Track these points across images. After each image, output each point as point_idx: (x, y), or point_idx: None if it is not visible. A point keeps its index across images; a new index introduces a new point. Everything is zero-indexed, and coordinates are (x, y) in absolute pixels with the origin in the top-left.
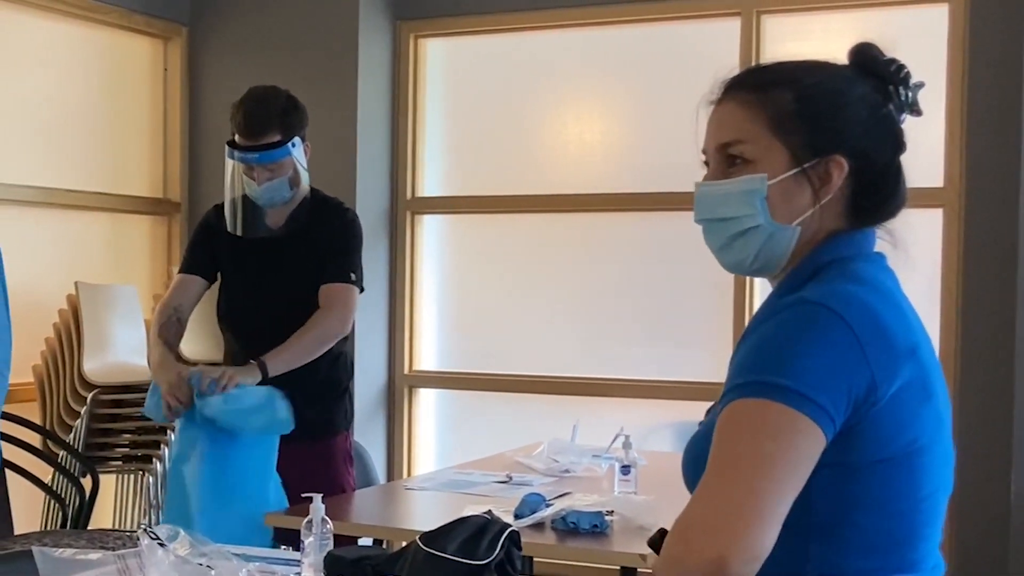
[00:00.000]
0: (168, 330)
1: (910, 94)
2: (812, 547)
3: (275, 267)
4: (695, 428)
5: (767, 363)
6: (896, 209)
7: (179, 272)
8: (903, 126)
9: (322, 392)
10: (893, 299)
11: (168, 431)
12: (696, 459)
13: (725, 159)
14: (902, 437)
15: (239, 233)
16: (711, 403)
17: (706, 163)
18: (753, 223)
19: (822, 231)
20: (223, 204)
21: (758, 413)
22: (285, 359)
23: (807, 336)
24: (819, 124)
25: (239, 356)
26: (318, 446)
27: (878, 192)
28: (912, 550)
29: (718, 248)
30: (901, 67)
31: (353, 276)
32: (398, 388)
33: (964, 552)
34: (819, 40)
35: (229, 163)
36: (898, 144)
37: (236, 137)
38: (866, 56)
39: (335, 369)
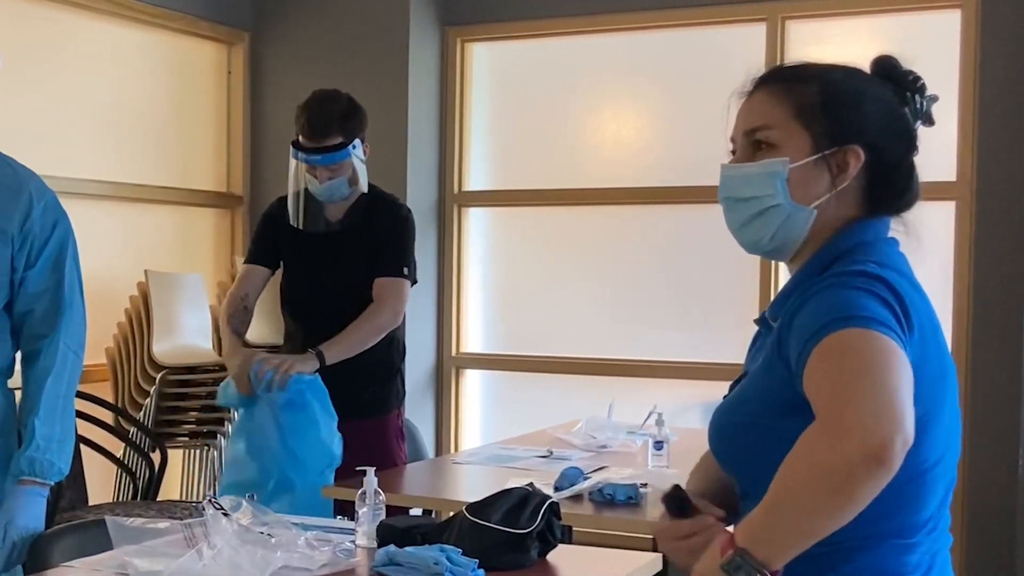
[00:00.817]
0: (236, 319)
1: (925, 103)
2: None
3: (333, 259)
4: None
5: (841, 306)
6: (909, 203)
7: (245, 263)
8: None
9: (376, 373)
10: (916, 284)
11: (231, 410)
12: (721, 427)
13: (751, 144)
14: (919, 401)
15: (300, 227)
16: (736, 379)
17: (733, 151)
18: (773, 202)
19: (837, 218)
20: (286, 197)
21: (854, 338)
22: (340, 350)
23: (862, 285)
24: (840, 116)
25: (298, 339)
26: (373, 423)
27: (891, 185)
28: (918, 513)
29: (738, 226)
30: (918, 78)
31: (406, 270)
32: (446, 369)
33: (974, 521)
34: (839, 44)
35: (293, 162)
36: (911, 144)
37: (300, 138)
38: (887, 65)
39: (388, 352)
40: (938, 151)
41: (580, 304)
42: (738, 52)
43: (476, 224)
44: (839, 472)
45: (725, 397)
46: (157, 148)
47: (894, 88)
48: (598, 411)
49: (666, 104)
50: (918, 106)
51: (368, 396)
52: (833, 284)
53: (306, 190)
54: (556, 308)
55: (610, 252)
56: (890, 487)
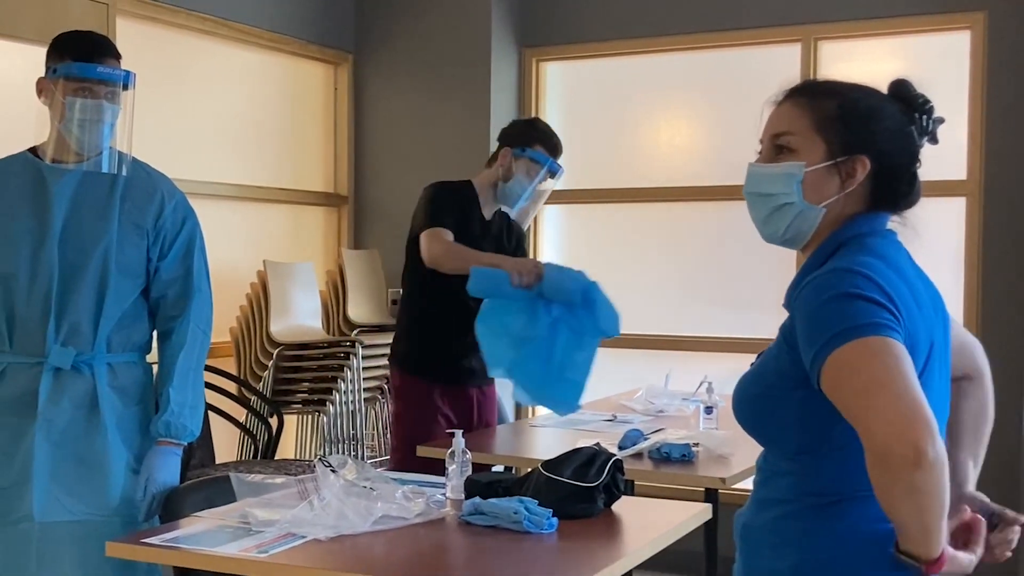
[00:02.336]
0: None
1: (931, 124)
2: (825, 465)
3: (488, 246)
4: None
5: (838, 316)
6: (909, 205)
7: (444, 228)
8: (923, 148)
9: None
10: (897, 267)
11: (339, 380)
12: (741, 396)
13: (775, 147)
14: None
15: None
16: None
17: (760, 152)
18: (788, 200)
19: (843, 215)
20: (471, 184)
21: (859, 351)
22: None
23: (842, 290)
24: (853, 129)
25: (456, 313)
26: (485, 390)
27: (893, 191)
28: None
29: (759, 219)
30: (927, 101)
31: None
32: None
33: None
34: (865, 61)
35: (527, 164)
36: (914, 157)
37: (541, 148)
38: (901, 87)
39: None
40: (950, 153)
41: (639, 287)
42: (776, 68)
43: (550, 219)
44: (901, 487)
45: (752, 364)
46: (274, 154)
47: (905, 108)
48: (656, 381)
49: (713, 114)
50: (925, 125)
51: (483, 367)
52: (817, 288)
53: (503, 191)
54: (618, 291)
55: (666, 242)
56: None
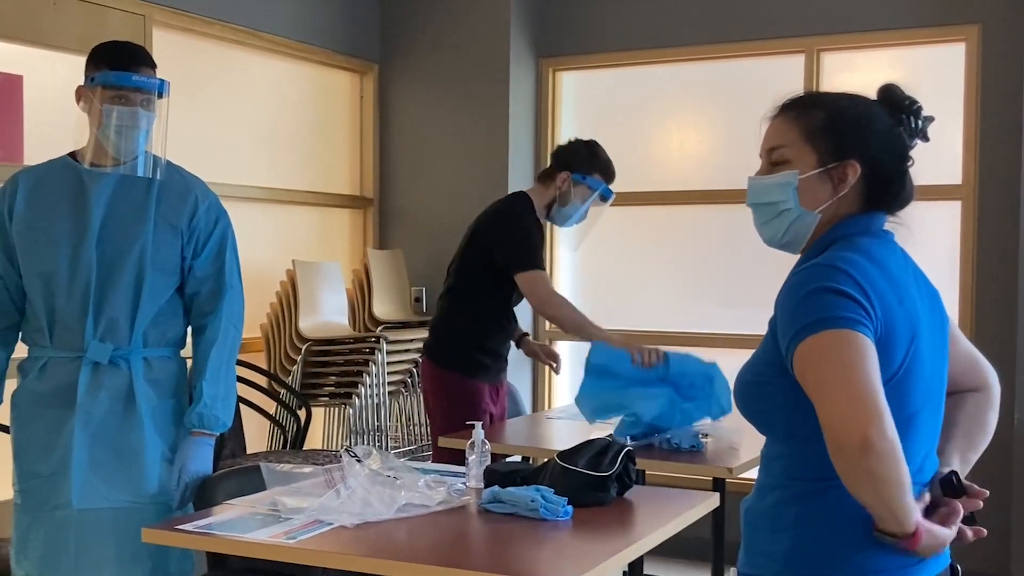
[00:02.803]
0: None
1: (920, 123)
2: (813, 449)
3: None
4: None
5: (810, 308)
6: (902, 204)
7: (540, 270)
8: (917, 148)
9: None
10: (882, 264)
11: (364, 374)
12: (739, 384)
13: (770, 160)
14: (890, 366)
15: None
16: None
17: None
18: (786, 207)
19: (837, 216)
20: (530, 201)
21: (826, 342)
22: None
23: (825, 281)
24: (840, 136)
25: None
26: (500, 388)
27: (885, 191)
28: (907, 453)
29: (760, 225)
30: (914, 102)
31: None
32: (541, 340)
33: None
34: (866, 71)
35: (581, 190)
36: (903, 157)
37: (600, 177)
38: (889, 92)
39: None
40: (947, 159)
41: (652, 286)
42: (781, 78)
43: (567, 235)
44: (856, 472)
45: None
46: (303, 159)
47: (893, 112)
48: None
49: (720, 122)
50: (913, 125)
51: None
52: (798, 280)
53: (558, 212)
54: (632, 289)
55: (676, 243)
56: None
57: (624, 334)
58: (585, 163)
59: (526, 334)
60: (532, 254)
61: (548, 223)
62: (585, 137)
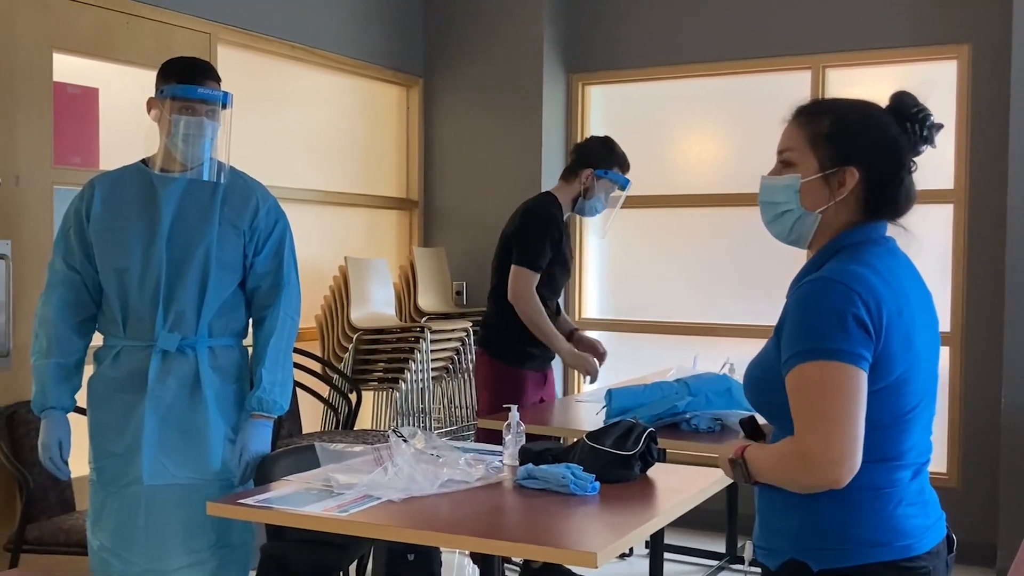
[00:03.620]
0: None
1: (925, 131)
2: None
3: (567, 245)
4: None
5: (806, 333)
6: (902, 210)
7: (531, 270)
8: (923, 155)
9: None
10: (887, 274)
11: (410, 360)
12: (748, 378)
13: (780, 162)
14: (892, 373)
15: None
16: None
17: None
18: (788, 208)
19: (840, 220)
20: (556, 201)
21: (825, 374)
22: None
23: (824, 304)
24: (841, 143)
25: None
26: (547, 373)
27: (884, 196)
28: (905, 443)
29: (767, 222)
30: (921, 111)
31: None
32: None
33: (966, 450)
34: (867, 86)
35: (604, 184)
36: (901, 164)
37: (618, 170)
38: (897, 100)
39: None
40: (940, 165)
41: (671, 281)
42: (789, 92)
43: (595, 222)
44: (807, 488)
45: (762, 350)
46: (354, 165)
47: (899, 119)
48: (685, 362)
49: (735, 131)
50: (920, 133)
51: (548, 355)
52: (809, 294)
53: (582, 205)
54: (653, 284)
55: (694, 241)
56: (882, 428)
57: (639, 324)
58: (605, 159)
59: (576, 329)
60: (532, 253)
61: (576, 217)
62: None
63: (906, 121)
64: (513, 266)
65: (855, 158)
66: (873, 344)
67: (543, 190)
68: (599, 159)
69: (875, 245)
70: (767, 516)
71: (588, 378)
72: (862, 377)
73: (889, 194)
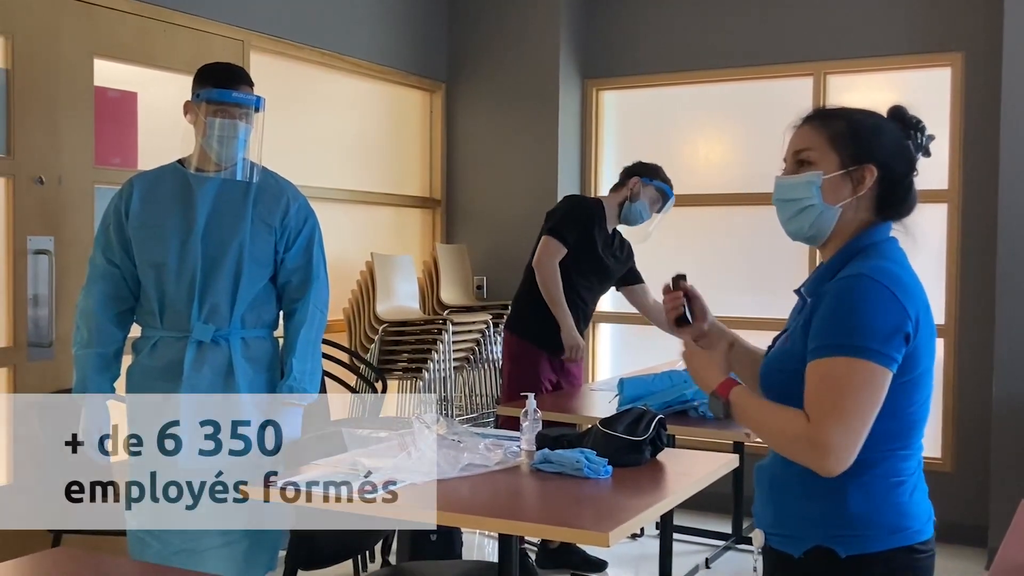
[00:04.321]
0: None
1: (924, 140)
2: None
3: (607, 255)
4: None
5: (843, 328)
6: (908, 210)
7: (557, 240)
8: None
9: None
10: (910, 270)
11: (433, 351)
12: (769, 371)
13: (796, 162)
14: (919, 365)
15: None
16: (780, 332)
17: (784, 166)
18: (810, 203)
19: (856, 218)
20: (599, 200)
21: (846, 367)
22: None
23: (867, 304)
24: (861, 143)
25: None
26: (580, 362)
27: (895, 195)
28: (910, 436)
29: (785, 220)
30: (920, 122)
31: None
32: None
33: (959, 437)
34: (866, 92)
35: (650, 191)
36: (911, 167)
37: (663, 182)
38: (899, 111)
39: None
40: (934, 166)
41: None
42: (793, 97)
43: (637, 229)
44: (796, 459)
45: (770, 346)
46: (380, 166)
47: (902, 127)
48: None
49: (741, 134)
50: (919, 141)
51: None
52: (849, 291)
53: (628, 209)
54: (663, 279)
55: (703, 238)
56: (903, 417)
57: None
58: (651, 171)
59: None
60: (560, 225)
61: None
62: (623, 147)
63: (909, 129)
64: (543, 236)
65: (874, 157)
66: (906, 346)
67: (559, 189)
68: (645, 170)
69: (892, 243)
70: (784, 502)
71: (569, 354)
72: (888, 378)
73: (901, 194)
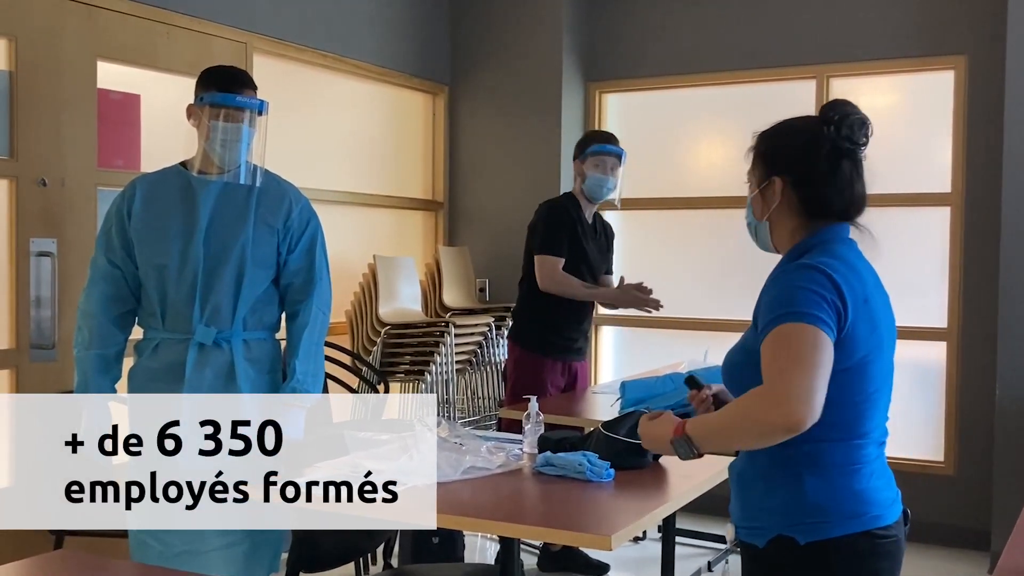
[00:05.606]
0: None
1: (845, 130)
2: None
3: (592, 248)
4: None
5: (790, 301)
6: (848, 208)
7: (556, 256)
8: (912, 161)
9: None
10: (853, 267)
11: (435, 354)
12: (726, 364)
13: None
14: (856, 353)
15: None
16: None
17: None
18: (749, 220)
19: (789, 226)
20: (571, 197)
21: (795, 331)
22: None
23: (807, 283)
24: (766, 158)
25: (573, 303)
26: (583, 363)
27: (814, 194)
28: (868, 423)
29: (751, 237)
30: (839, 114)
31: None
32: (596, 321)
33: (961, 440)
34: (870, 94)
35: (590, 161)
36: (815, 165)
37: (594, 143)
38: (822, 108)
39: None
40: (938, 170)
41: (685, 279)
42: (795, 100)
43: (611, 222)
44: (764, 430)
45: (740, 340)
46: (383, 168)
47: (825, 124)
48: (696, 356)
49: (744, 137)
50: (840, 133)
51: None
52: (785, 276)
53: (587, 191)
54: (666, 281)
55: (705, 241)
56: (848, 406)
57: (653, 319)
58: (580, 146)
59: (622, 279)
60: (548, 240)
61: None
62: (626, 149)
63: (823, 125)
64: (536, 256)
65: (776, 168)
66: (838, 321)
67: (561, 192)
68: (577, 150)
69: (840, 244)
70: (749, 496)
71: (652, 310)
72: (828, 341)
73: (819, 192)
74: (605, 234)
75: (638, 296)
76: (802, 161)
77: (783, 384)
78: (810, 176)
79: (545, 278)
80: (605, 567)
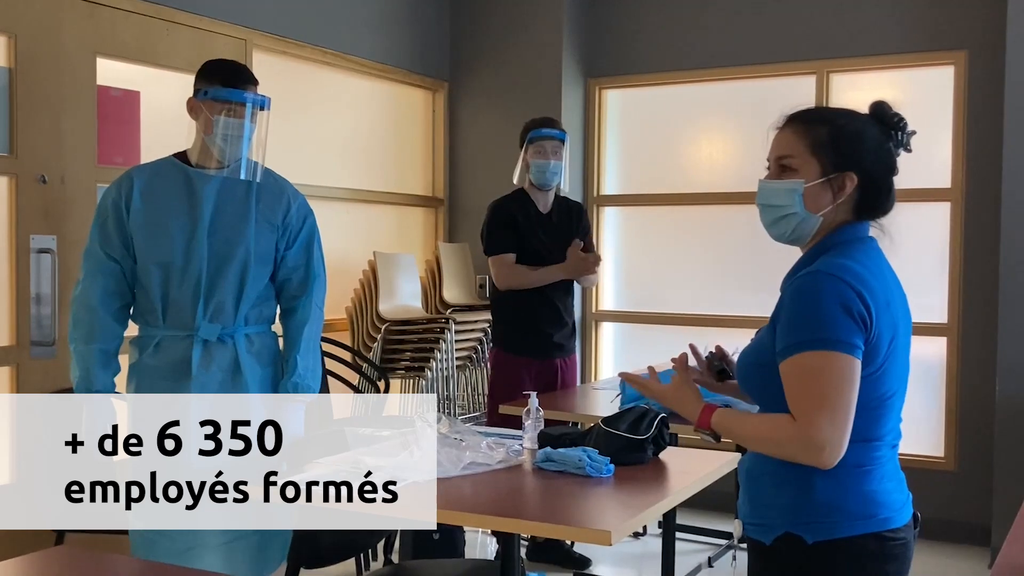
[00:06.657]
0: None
1: (905, 137)
2: None
3: (548, 238)
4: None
5: (810, 323)
6: (886, 211)
7: (506, 253)
8: (911, 156)
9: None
10: (874, 269)
11: (435, 350)
12: (743, 364)
13: (779, 167)
14: (876, 361)
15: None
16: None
17: (768, 168)
18: (792, 211)
19: (835, 221)
20: (523, 189)
21: (826, 363)
22: None
23: (826, 297)
24: (841, 150)
25: (535, 299)
26: (568, 360)
27: (876, 199)
28: (883, 426)
29: (768, 224)
30: (901, 119)
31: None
32: (588, 321)
33: (962, 436)
34: (869, 90)
35: (529, 151)
36: (891, 170)
37: (530, 132)
38: (879, 109)
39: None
40: (938, 165)
41: (684, 274)
42: (796, 95)
43: (610, 218)
44: (791, 459)
45: (752, 340)
46: (382, 164)
47: (882, 127)
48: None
49: (744, 133)
50: (900, 139)
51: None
52: (805, 288)
53: (534, 180)
54: (667, 277)
55: (706, 237)
56: (866, 411)
57: (653, 315)
58: (522, 135)
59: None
60: (492, 241)
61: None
62: (626, 145)
63: (889, 129)
64: (488, 260)
65: (854, 164)
66: (864, 334)
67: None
68: (520, 140)
69: (861, 243)
70: (757, 493)
71: (595, 270)
72: (858, 366)
73: (879, 196)
74: (570, 216)
75: (579, 262)
76: (879, 166)
77: (815, 430)
78: (881, 182)
79: (499, 277)
80: (587, 561)
